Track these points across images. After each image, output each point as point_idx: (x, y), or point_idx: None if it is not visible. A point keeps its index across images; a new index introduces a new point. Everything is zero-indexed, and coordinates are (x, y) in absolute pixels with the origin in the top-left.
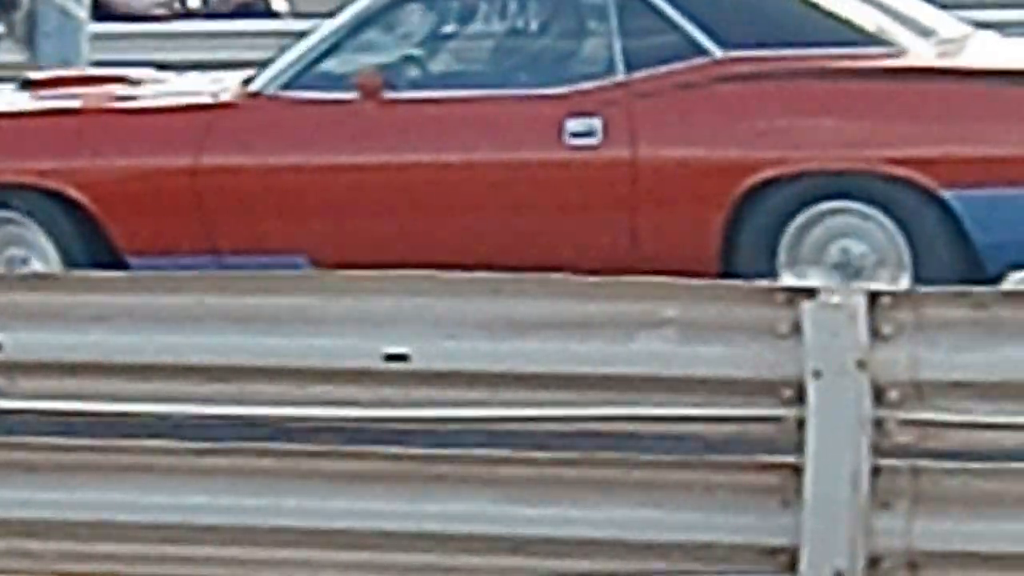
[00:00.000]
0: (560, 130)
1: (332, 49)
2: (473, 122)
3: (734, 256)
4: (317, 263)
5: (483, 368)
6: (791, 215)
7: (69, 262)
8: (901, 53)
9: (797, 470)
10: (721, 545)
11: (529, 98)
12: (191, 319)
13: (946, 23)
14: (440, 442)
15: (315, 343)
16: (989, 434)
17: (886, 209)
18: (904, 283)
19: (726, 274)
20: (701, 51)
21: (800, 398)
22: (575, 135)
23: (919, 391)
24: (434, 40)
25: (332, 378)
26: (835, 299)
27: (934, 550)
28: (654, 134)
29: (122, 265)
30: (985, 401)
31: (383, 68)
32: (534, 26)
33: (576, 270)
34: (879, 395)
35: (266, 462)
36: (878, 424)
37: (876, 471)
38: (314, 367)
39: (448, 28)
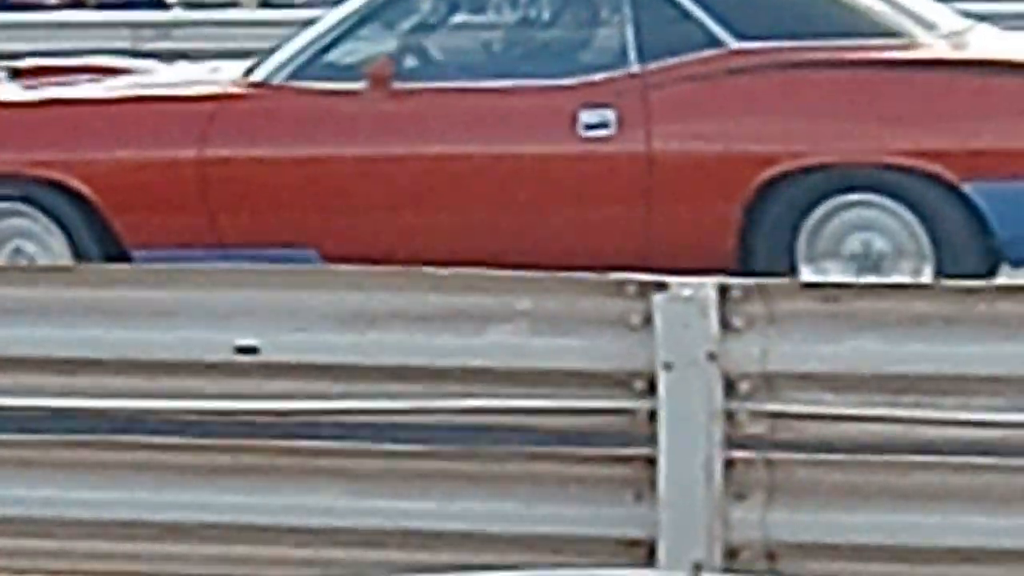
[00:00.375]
0: (574, 121)
1: (340, 38)
2: (484, 113)
3: (752, 249)
4: (327, 256)
5: (334, 360)
6: (809, 208)
7: (79, 254)
8: (914, 45)
9: (651, 462)
10: (577, 538)
11: (542, 89)
12: (40, 311)
13: (946, 16)
14: (292, 434)
15: (165, 336)
16: (841, 426)
17: (906, 202)
18: (927, 276)
19: (744, 268)
20: (716, 42)
21: (652, 390)
22: (589, 127)
23: (770, 383)
24: (445, 30)
25: (183, 371)
26: (686, 292)
27: (791, 541)
28: (669, 126)
29: (127, 258)
30: (836, 393)
31: (392, 58)
32: (547, 16)
33: (590, 263)
34: (730, 387)
35: (117, 455)
36: (730, 416)
37: (730, 463)
38: (165, 360)
39: (459, 18)
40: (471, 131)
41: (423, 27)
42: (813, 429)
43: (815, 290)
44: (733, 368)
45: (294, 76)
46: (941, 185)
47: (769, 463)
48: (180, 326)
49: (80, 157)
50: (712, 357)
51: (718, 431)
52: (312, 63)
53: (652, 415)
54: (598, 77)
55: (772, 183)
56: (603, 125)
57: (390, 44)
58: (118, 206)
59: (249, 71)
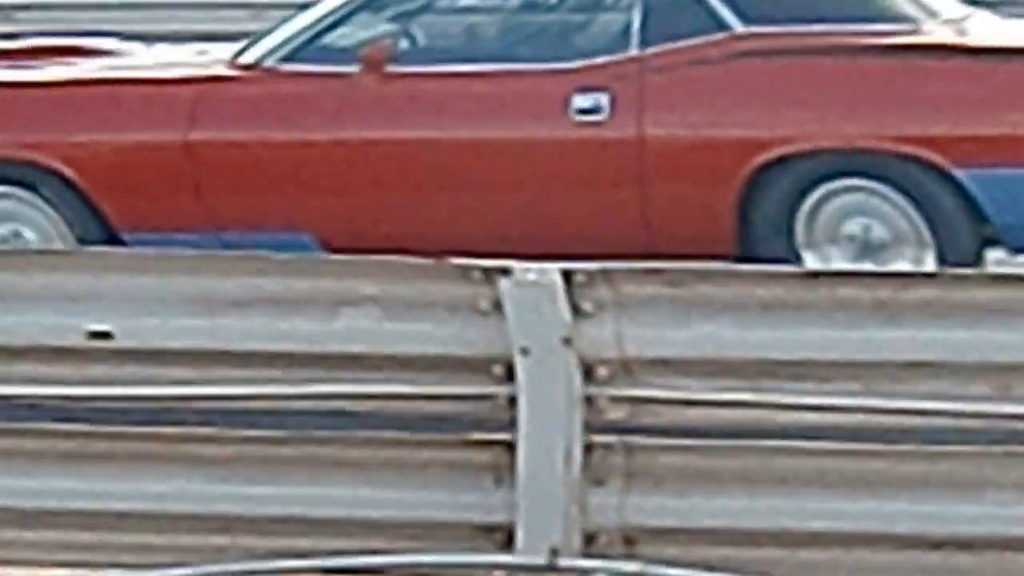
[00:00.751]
0: (566, 106)
1: (337, 23)
2: (478, 97)
3: (751, 235)
4: (322, 240)
5: (188, 346)
6: (803, 194)
7: (79, 238)
8: (916, 31)
9: (510, 447)
10: (436, 523)
11: (537, 73)
12: None
13: (946, 2)
14: (148, 420)
15: (17, 320)
16: (700, 410)
17: (899, 188)
18: (929, 262)
19: (745, 254)
20: (722, 26)
21: (510, 375)
22: (582, 111)
23: (628, 368)
24: (446, 14)
25: (36, 356)
26: (531, 277)
27: (649, 526)
28: (663, 110)
29: (119, 241)
30: (693, 377)
31: (387, 42)
32: (552, 0)
33: (585, 249)
34: (588, 372)
35: None
36: (589, 401)
37: (589, 448)
38: (17, 345)
39: (459, 2)
40: (464, 115)
41: (422, 10)
42: (671, 414)
43: (658, 275)
44: (590, 353)
45: (287, 59)
46: (932, 171)
47: (628, 448)
48: (31, 310)
49: (66, 140)
50: (568, 342)
51: (577, 416)
52: (306, 46)
53: (512, 400)
54: (595, 61)
55: (765, 168)
56: (596, 110)
57: (386, 28)
58: (104, 189)
59: (239, 53)
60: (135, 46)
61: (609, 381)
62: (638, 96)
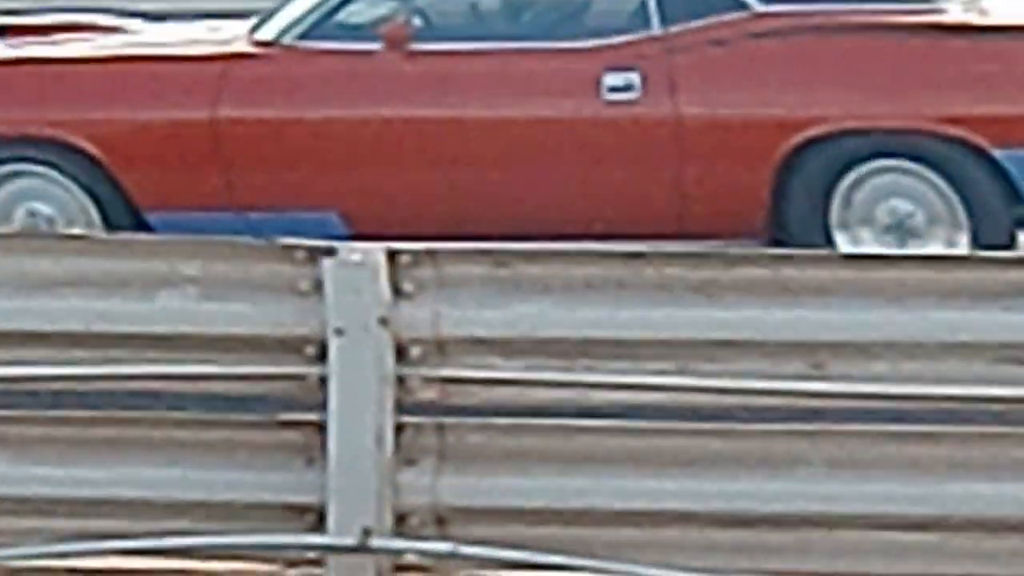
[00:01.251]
0: (598, 84)
1: None
2: (505, 76)
3: (785, 215)
4: (347, 219)
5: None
6: (840, 174)
7: (105, 218)
8: (939, 10)
9: (322, 428)
10: (246, 504)
11: (562, 51)
12: None
13: None
14: None
15: None
16: (511, 390)
17: (938, 168)
18: (962, 244)
19: (778, 235)
20: (740, 5)
21: (323, 356)
22: (613, 90)
23: (441, 348)
24: None
25: None
26: (355, 257)
27: (461, 505)
28: (696, 90)
29: (141, 218)
30: (506, 357)
31: (408, 19)
32: None
33: (615, 229)
34: (401, 352)
35: None
36: (401, 381)
37: (401, 428)
38: None
39: None
40: (491, 94)
41: None
42: (484, 394)
43: (485, 255)
44: (405, 333)
45: (305, 36)
46: (972, 151)
47: (440, 428)
48: None
49: (88, 117)
50: (384, 322)
51: (389, 396)
52: (322, 23)
53: (323, 381)
54: (620, 39)
55: (802, 148)
56: (628, 88)
57: (399, 5)
58: (129, 167)
59: (254, 30)
60: (140, 23)
61: (422, 361)
62: (669, 75)
